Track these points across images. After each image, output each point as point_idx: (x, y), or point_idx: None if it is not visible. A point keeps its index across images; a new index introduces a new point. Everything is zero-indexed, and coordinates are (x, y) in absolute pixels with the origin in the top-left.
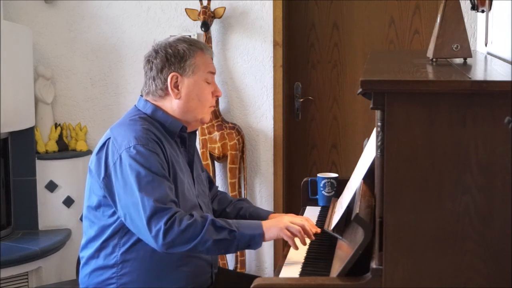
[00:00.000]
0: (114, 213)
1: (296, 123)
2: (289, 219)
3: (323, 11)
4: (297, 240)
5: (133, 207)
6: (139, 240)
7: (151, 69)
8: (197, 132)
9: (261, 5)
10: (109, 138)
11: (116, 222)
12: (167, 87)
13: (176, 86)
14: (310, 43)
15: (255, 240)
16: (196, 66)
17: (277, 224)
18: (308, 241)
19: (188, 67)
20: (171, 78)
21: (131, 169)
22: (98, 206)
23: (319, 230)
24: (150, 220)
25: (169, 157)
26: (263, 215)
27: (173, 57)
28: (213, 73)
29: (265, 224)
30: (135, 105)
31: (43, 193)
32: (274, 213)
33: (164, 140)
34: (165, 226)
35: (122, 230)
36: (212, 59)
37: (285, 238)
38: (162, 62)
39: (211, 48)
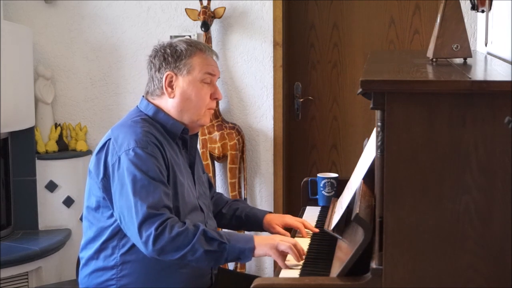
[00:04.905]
0: (112, 214)
1: (296, 123)
2: (280, 238)
3: (323, 11)
4: (290, 257)
5: (127, 210)
6: None
7: (151, 68)
8: (198, 134)
9: (261, 5)
10: (109, 139)
11: (115, 224)
12: (162, 86)
13: (170, 85)
14: (310, 43)
15: (245, 254)
16: (192, 66)
17: (268, 242)
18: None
19: (184, 67)
20: (166, 77)
21: (128, 172)
22: (97, 208)
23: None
24: (141, 225)
25: (169, 160)
26: (259, 215)
27: (170, 57)
28: (212, 74)
29: (256, 239)
30: (137, 106)
31: (43, 193)
32: (271, 212)
33: (165, 143)
34: (156, 232)
35: (121, 232)
36: (217, 61)
37: (274, 257)
38: (160, 61)
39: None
